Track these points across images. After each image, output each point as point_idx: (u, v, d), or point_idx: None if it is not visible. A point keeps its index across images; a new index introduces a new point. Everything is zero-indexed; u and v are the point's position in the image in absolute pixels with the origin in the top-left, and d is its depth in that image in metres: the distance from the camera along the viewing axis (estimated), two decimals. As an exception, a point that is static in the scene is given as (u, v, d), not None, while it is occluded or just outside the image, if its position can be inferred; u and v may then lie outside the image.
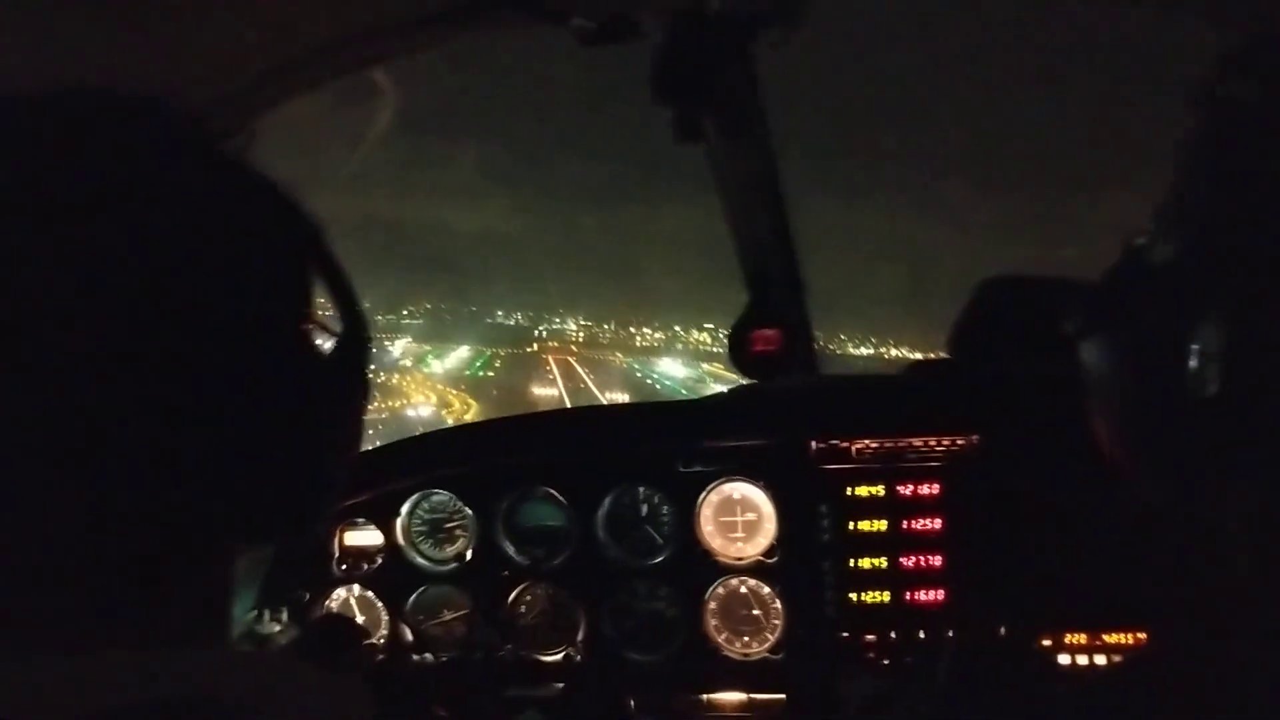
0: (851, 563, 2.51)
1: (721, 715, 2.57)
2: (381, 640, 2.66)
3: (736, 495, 2.57)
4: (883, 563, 2.50)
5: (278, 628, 2.38)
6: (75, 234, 0.77)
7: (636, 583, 2.62)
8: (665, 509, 2.60)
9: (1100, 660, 2.38)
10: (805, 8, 1.45)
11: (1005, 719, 1.89)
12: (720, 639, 2.59)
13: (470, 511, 2.62)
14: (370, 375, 1.06)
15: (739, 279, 2.72)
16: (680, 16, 1.53)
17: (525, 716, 2.46)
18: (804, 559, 2.52)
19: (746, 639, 2.58)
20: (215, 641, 0.88)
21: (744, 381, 2.72)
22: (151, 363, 0.78)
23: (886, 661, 2.50)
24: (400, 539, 2.65)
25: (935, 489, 2.47)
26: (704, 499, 2.57)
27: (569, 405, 37.39)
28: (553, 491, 2.59)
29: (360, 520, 2.65)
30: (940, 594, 2.49)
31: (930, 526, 2.48)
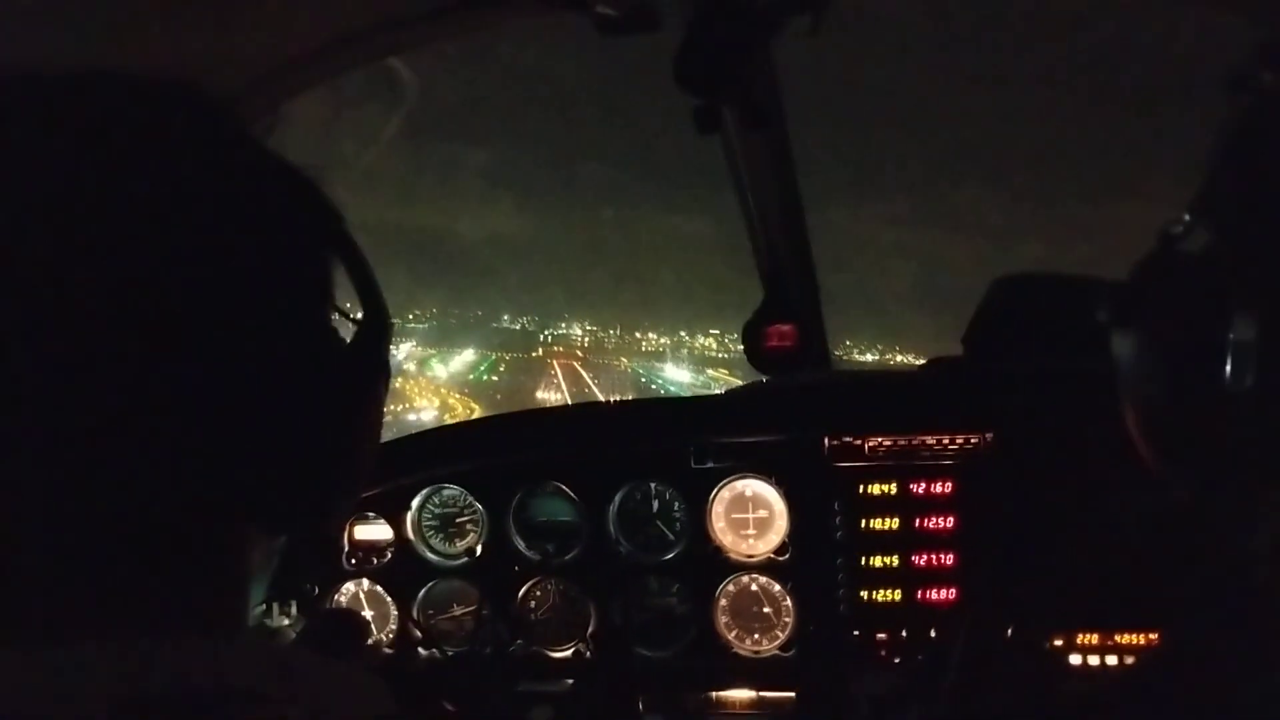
0: (863, 561, 2.50)
1: (732, 712, 2.56)
2: (391, 634, 2.65)
3: (748, 492, 2.56)
4: (895, 561, 2.49)
5: (287, 621, 2.38)
6: (98, 217, 0.77)
7: (647, 579, 2.61)
8: (677, 505, 2.60)
9: (1112, 661, 2.36)
10: (832, 2, 1.44)
11: (1016, 718, 1.89)
12: (731, 636, 2.58)
13: (481, 506, 2.61)
14: (389, 365, 1.06)
15: (744, 285, 2.72)
16: (704, 4, 1.52)
17: (535, 712, 2.45)
18: (816, 556, 2.52)
19: (757, 636, 2.58)
20: (235, 631, 0.87)
21: (756, 378, 2.71)
22: (173, 347, 0.78)
23: (898, 660, 2.50)
24: (410, 533, 2.64)
25: (948, 487, 2.46)
26: (716, 495, 2.56)
27: (573, 409, 37.45)
28: (564, 487, 2.59)
29: (370, 514, 2.64)
30: (952, 593, 2.48)
31: (943, 525, 2.47)
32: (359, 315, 1.00)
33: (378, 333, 1.00)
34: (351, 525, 2.65)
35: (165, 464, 0.78)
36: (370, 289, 1.00)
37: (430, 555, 2.65)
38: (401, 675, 2.61)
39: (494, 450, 2.67)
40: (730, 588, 2.58)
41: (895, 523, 2.49)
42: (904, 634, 2.49)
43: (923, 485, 2.47)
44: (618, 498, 2.59)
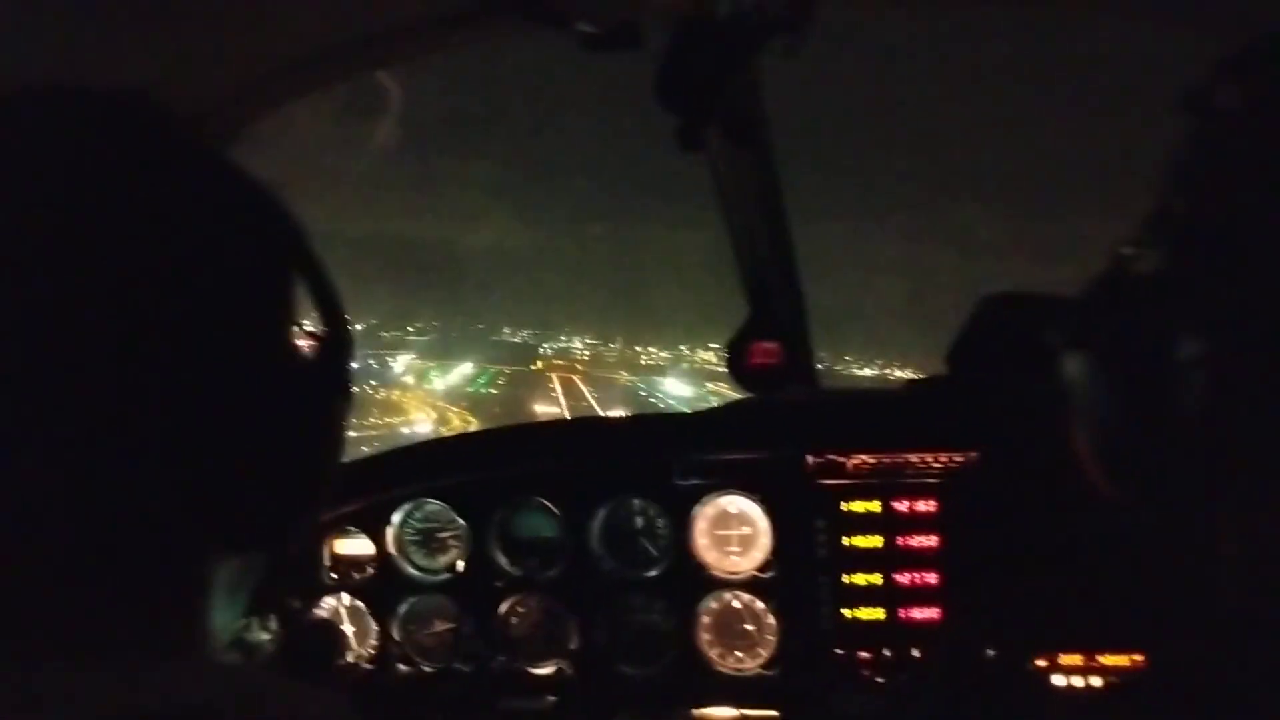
0: (846, 579, 2.49)
1: (713, 731, 2.54)
2: (371, 650, 2.63)
3: (732, 509, 2.55)
4: (878, 579, 2.48)
5: (267, 636, 2.37)
6: (47, 233, 0.76)
7: (630, 595, 2.60)
8: (660, 521, 2.59)
9: (1095, 682, 2.35)
10: (811, 20, 1.45)
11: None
12: (713, 654, 2.56)
13: (463, 521, 2.60)
14: (352, 381, 1.05)
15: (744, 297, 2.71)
16: (685, 23, 1.52)
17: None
18: (799, 574, 2.50)
19: (740, 654, 2.56)
20: (195, 653, 0.86)
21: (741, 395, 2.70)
22: (128, 365, 0.77)
23: (880, 679, 2.48)
24: (392, 548, 2.63)
25: (932, 505, 2.45)
26: (699, 512, 2.55)
27: (570, 422, 37.36)
28: (546, 502, 2.57)
29: (351, 529, 2.63)
30: (935, 612, 2.46)
31: (926, 543, 2.46)
32: (321, 332, 0.99)
33: (339, 350, 0.99)
34: (332, 540, 2.64)
35: (120, 483, 0.77)
36: (331, 305, 0.99)
37: (412, 570, 2.64)
38: (381, 692, 2.60)
39: (477, 465, 2.66)
40: (713, 605, 2.56)
41: (878, 541, 2.47)
42: (887, 653, 2.48)
43: (906, 503, 2.46)
44: (601, 514, 2.58)
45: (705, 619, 2.57)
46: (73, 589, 0.77)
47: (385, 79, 2.04)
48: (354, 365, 1.06)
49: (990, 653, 2.40)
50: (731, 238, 2.42)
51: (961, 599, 2.45)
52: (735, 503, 2.55)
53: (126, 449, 0.77)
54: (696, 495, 2.54)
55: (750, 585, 2.54)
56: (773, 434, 2.56)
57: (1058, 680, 2.37)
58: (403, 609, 2.64)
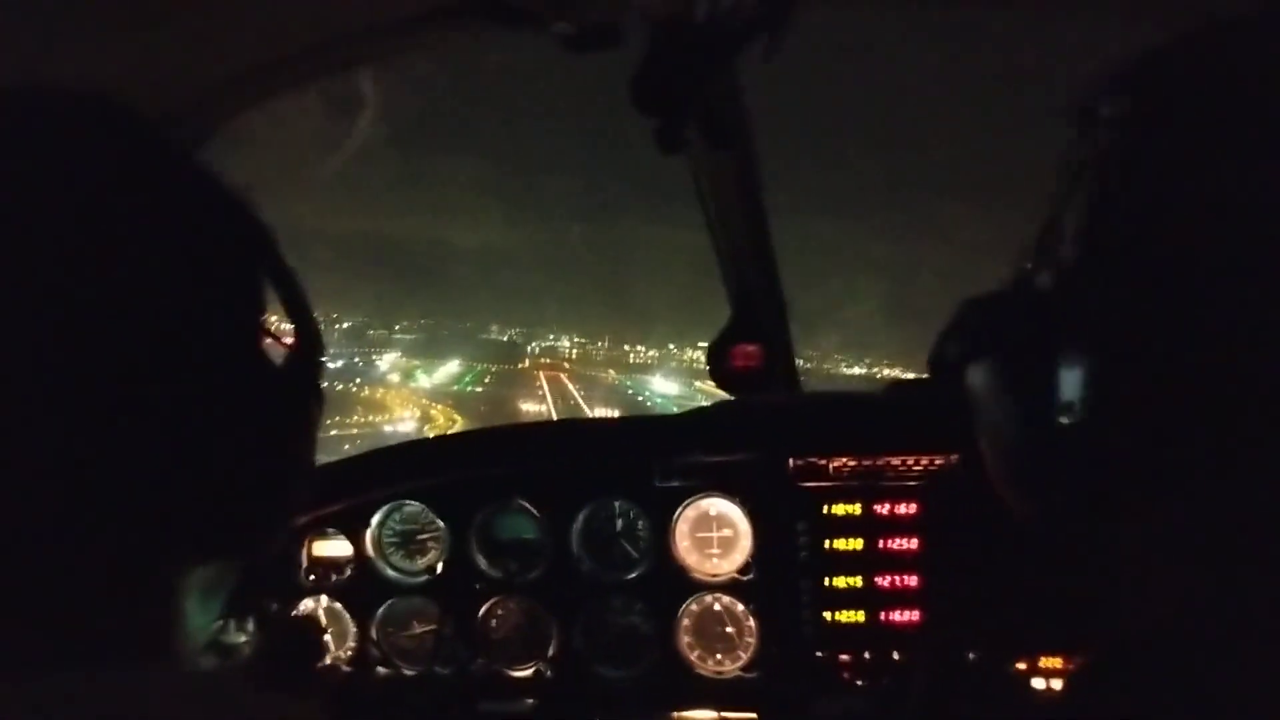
0: (827, 581, 2.48)
1: (693, 733, 2.54)
2: (349, 652, 2.62)
3: (713, 511, 2.55)
4: (859, 582, 2.47)
5: (244, 638, 2.35)
6: (9, 236, 0.75)
7: (610, 598, 2.59)
8: (641, 523, 2.58)
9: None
10: (789, 23, 1.44)
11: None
12: (693, 656, 2.56)
13: (442, 523, 2.58)
14: (323, 386, 1.04)
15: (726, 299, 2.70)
16: (663, 25, 1.51)
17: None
18: (779, 577, 2.50)
19: (720, 657, 2.55)
20: (166, 661, 0.85)
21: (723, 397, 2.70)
22: (93, 371, 0.76)
23: (861, 682, 2.48)
24: (370, 550, 2.61)
25: (913, 508, 2.45)
26: (680, 514, 2.54)
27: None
28: (526, 504, 2.56)
29: (330, 530, 2.61)
30: (916, 615, 2.46)
31: (907, 546, 2.45)
32: (291, 336, 0.98)
33: (309, 355, 0.99)
34: (311, 541, 2.62)
35: (90, 490, 0.76)
36: (301, 310, 0.98)
37: (390, 572, 2.62)
38: (360, 694, 2.58)
39: (456, 466, 2.64)
40: (693, 607, 2.56)
41: (859, 544, 2.47)
42: (867, 655, 2.47)
43: (887, 506, 2.46)
44: (581, 515, 2.57)
45: (686, 621, 2.56)
46: (43, 596, 0.76)
47: (364, 79, 2.02)
48: (325, 369, 1.05)
49: (971, 656, 2.40)
50: (713, 240, 2.41)
51: (942, 602, 2.45)
52: (716, 505, 2.54)
53: (95, 455, 0.76)
54: (678, 497, 2.54)
55: (731, 588, 2.53)
56: (754, 436, 2.55)
57: (1038, 683, 2.37)
58: (381, 611, 2.62)
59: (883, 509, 2.46)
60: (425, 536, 2.63)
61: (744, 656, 2.53)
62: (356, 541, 2.61)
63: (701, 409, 2.78)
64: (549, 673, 2.58)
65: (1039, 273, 0.89)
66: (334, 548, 2.62)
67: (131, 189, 0.82)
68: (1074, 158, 0.87)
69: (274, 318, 0.96)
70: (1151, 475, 0.81)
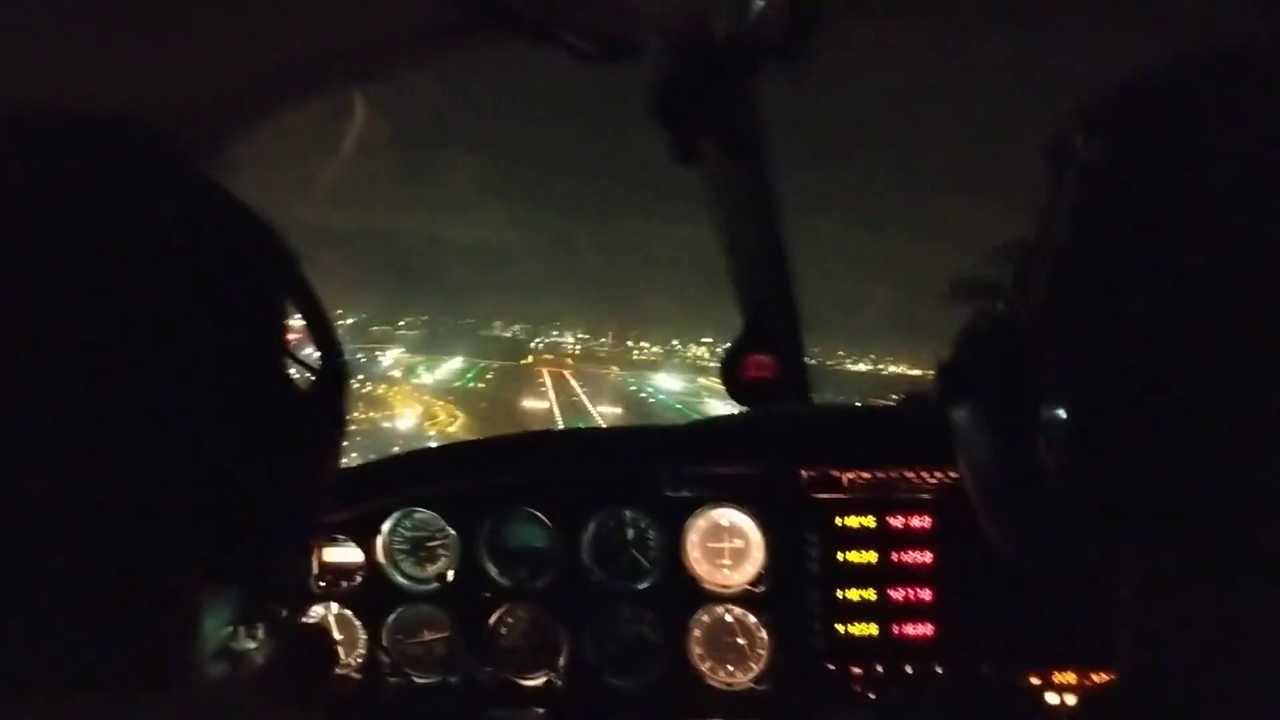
0: (839, 594, 2.47)
1: (704, 745, 2.53)
2: (359, 659, 2.61)
3: (725, 521, 2.54)
4: (871, 595, 2.46)
5: (254, 644, 2.34)
6: (38, 262, 0.74)
7: (620, 607, 2.58)
8: (652, 533, 2.57)
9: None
10: (810, 49, 1.42)
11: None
12: (704, 667, 2.55)
13: (453, 531, 2.57)
14: (348, 412, 1.03)
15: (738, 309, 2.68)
16: (682, 41, 1.50)
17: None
18: (791, 588, 2.49)
19: (730, 668, 2.54)
20: (179, 685, 0.84)
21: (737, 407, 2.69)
22: (114, 394, 0.75)
23: (873, 695, 2.46)
24: (381, 557, 2.60)
25: (926, 522, 2.44)
26: (691, 524, 2.53)
27: (560, 418, 37.20)
28: (537, 512, 2.55)
29: (340, 537, 2.60)
30: (929, 628, 2.45)
31: (920, 559, 2.44)
32: (316, 362, 0.98)
33: (334, 381, 0.98)
34: (321, 548, 2.61)
35: (108, 516, 0.76)
36: (326, 335, 0.98)
37: (400, 579, 2.61)
38: (369, 702, 2.58)
39: (467, 474, 2.64)
40: (704, 618, 2.54)
41: (872, 556, 2.46)
42: (879, 669, 2.46)
43: (901, 519, 2.45)
44: (592, 524, 2.56)
45: (696, 632, 2.55)
46: (57, 619, 0.75)
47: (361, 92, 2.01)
48: (349, 395, 1.04)
49: (984, 669, 2.40)
50: (725, 248, 2.41)
51: (955, 615, 2.44)
52: (728, 515, 2.53)
53: (115, 481, 0.75)
54: (689, 507, 2.53)
55: (742, 599, 2.52)
56: (767, 448, 2.54)
57: (1051, 698, 2.36)
58: (391, 618, 2.61)
59: (896, 521, 2.45)
60: (435, 544, 2.61)
61: (755, 668, 2.52)
62: (367, 548, 2.60)
63: (713, 419, 2.77)
64: (559, 681, 2.57)
65: (1014, 313, 0.89)
66: (344, 554, 2.61)
67: (156, 214, 0.82)
68: (1048, 199, 0.86)
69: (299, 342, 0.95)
70: (1127, 517, 0.81)
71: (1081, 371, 0.79)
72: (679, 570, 2.53)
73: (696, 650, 2.55)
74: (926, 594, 2.44)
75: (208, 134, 1.67)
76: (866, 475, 2.45)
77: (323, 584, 2.60)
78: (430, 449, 2.92)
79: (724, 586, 2.53)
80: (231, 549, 0.86)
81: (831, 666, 2.48)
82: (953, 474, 2.39)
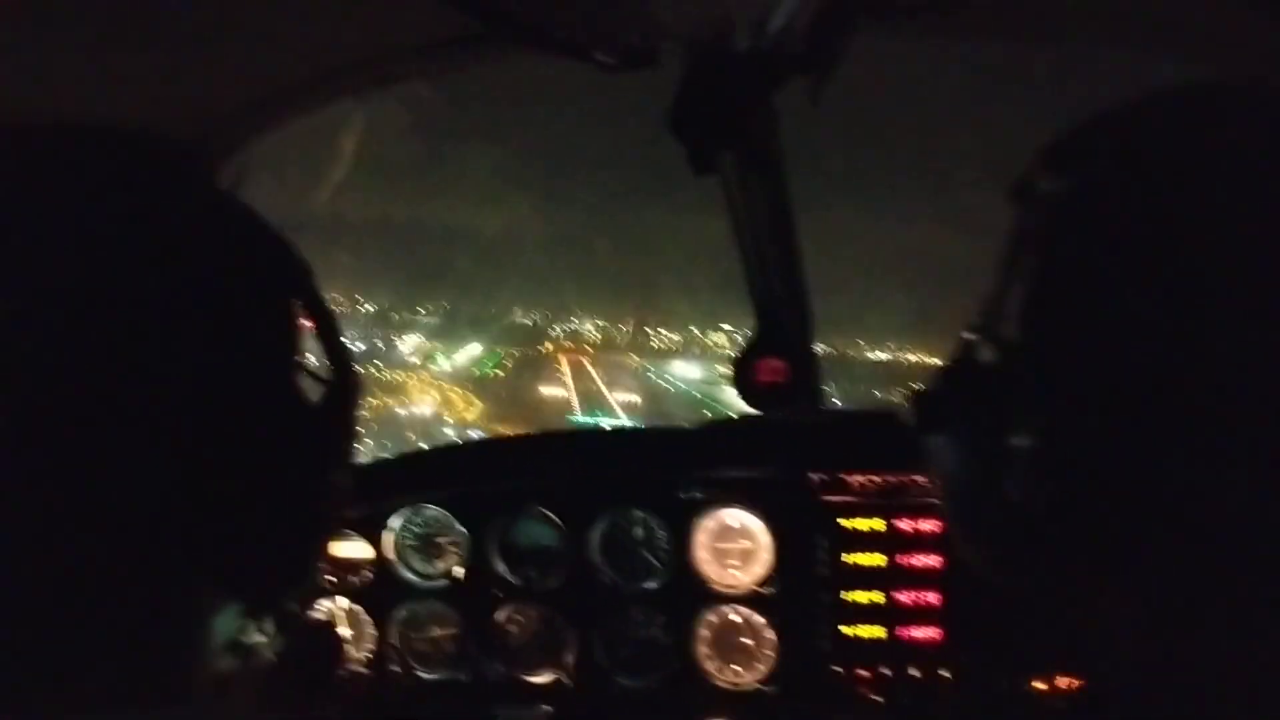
0: (846, 596, 2.47)
1: (710, 745, 2.53)
2: (368, 655, 2.63)
3: (733, 522, 2.54)
4: (879, 598, 2.46)
5: (263, 639, 2.36)
6: (54, 273, 0.75)
7: (629, 607, 2.58)
8: (661, 533, 2.57)
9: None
10: (834, 64, 1.41)
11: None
12: (711, 667, 2.55)
13: (463, 528, 2.59)
14: (359, 426, 1.03)
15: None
16: (702, 53, 1.49)
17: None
18: (799, 590, 2.49)
19: (737, 668, 2.55)
20: (181, 697, 0.85)
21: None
22: (125, 407, 0.76)
23: (878, 698, 2.46)
24: (390, 553, 2.62)
25: (935, 526, 2.43)
26: (700, 525, 2.53)
27: (578, 406, 37.19)
28: (547, 512, 2.56)
29: (349, 532, 2.62)
30: (936, 632, 2.45)
31: (928, 563, 2.44)
32: (328, 375, 0.98)
33: (346, 394, 0.98)
34: (330, 542, 2.63)
35: (117, 535, 0.76)
36: (338, 347, 0.98)
37: (409, 576, 2.63)
38: (377, 698, 2.60)
39: (478, 473, 2.65)
40: (712, 619, 2.55)
41: (881, 559, 2.46)
42: (885, 672, 2.46)
43: (909, 523, 2.44)
44: (601, 524, 2.57)
45: (704, 632, 2.55)
46: (64, 634, 0.76)
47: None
48: (361, 412, 1.04)
49: (990, 675, 2.39)
50: (742, 256, 2.40)
51: (962, 620, 2.44)
52: (736, 516, 2.53)
53: (119, 494, 0.76)
54: (698, 508, 2.53)
55: (750, 600, 2.52)
56: (777, 451, 2.55)
57: (1056, 704, 2.35)
58: (400, 614, 2.63)
59: (905, 525, 2.45)
60: (445, 540, 2.63)
61: (762, 669, 2.52)
62: (376, 544, 2.61)
63: (724, 421, 2.77)
64: (566, 680, 2.58)
65: (983, 347, 0.90)
66: (353, 549, 2.62)
67: (168, 225, 0.82)
68: (1014, 232, 0.88)
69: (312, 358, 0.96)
70: (1096, 549, 0.82)
71: (1047, 403, 0.80)
72: (687, 571, 2.54)
73: (703, 650, 2.55)
74: (934, 598, 2.44)
75: (225, 139, 1.67)
76: (876, 479, 2.45)
77: (332, 579, 2.62)
78: (441, 447, 2.94)
79: (732, 587, 2.53)
80: (239, 558, 0.87)
81: (838, 669, 2.48)
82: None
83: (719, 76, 1.44)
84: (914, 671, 2.45)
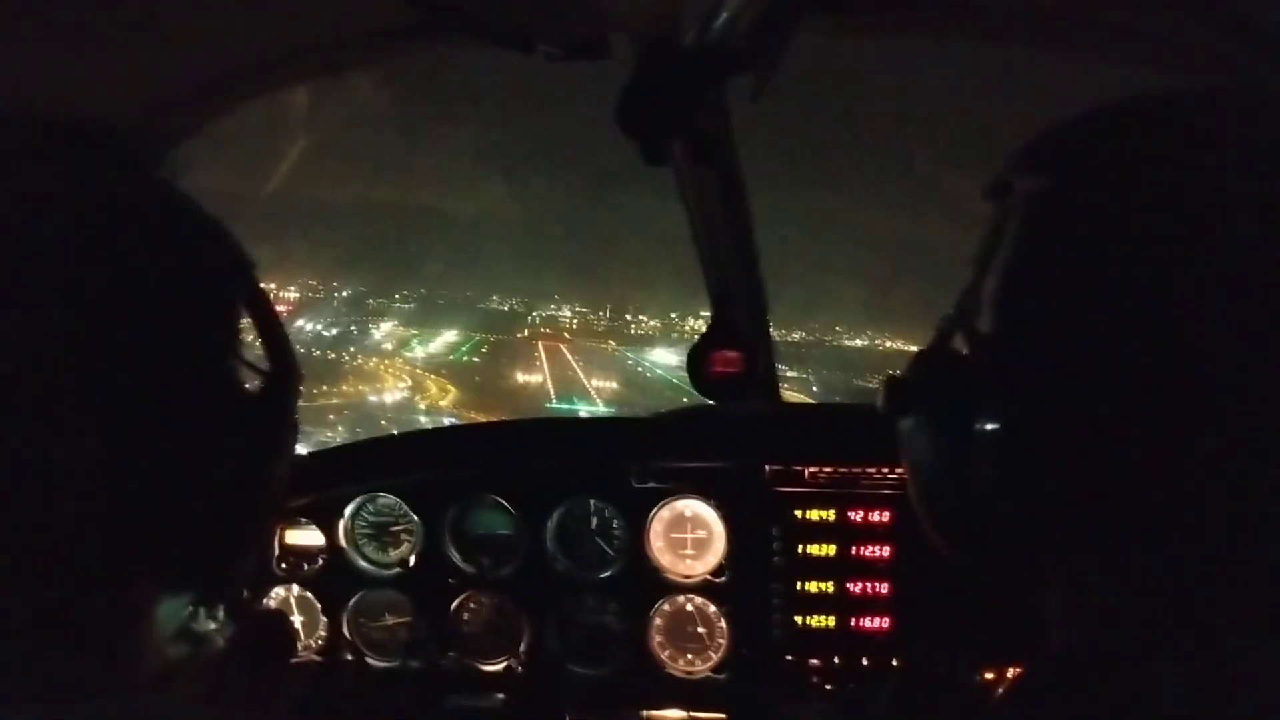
0: (799, 586, 2.49)
1: (662, 733, 2.55)
2: (319, 642, 2.62)
3: (688, 513, 2.55)
4: (830, 587, 2.48)
5: (214, 625, 2.35)
6: None
7: (583, 596, 2.59)
8: (616, 523, 2.58)
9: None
10: (777, 63, 1.41)
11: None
12: (664, 656, 2.57)
13: (416, 516, 2.58)
14: (297, 416, 1.04)
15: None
16: (651, 46, 1.48)
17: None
18: (752, 579, 2.51)
19: (690, 657, 2.56)
20: (127, 689, 0.85)
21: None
22: (62, 397, 0.75)
23: (829, 686, 2.49)
24: (343, 541, 2.61)
25: (886, 516, 2.46)
26: (655, 515, 2.54)
27: (553, 392, 37.15)
28: (502, 500, 2.56)
29: (302, 520, 2.60)
30: (886, 621, 2.48)
31: (879, 554, 2.46)
32: (266, 366, 0.98)
33: (285, 386, 0.99)
34: (282, 530, 2.61)
35: (56, 525, 0.76)
36: (277, 340, 0.98)
37: (362, 564, 2.62)
38: (328, 686, 2.59)
39: (433, 463, 2.64)
40: (666, 607, 2.56)
41: (832, 550, 2.48)
42: (836, 660, 2.49)
43: (861, 513, 2.47)
44: (556, 513, 2.57)
45: (657, 621, 2.57)
46: (3, 628, 0.76)
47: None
48: (299, 398, 1.05)
49: (938, 663, 2.42)
50: (696, 246, 2.40)
51: (912, 609, 2.46)
52: (691, 507, 2.54)
53: (60, 491, 0.76)
54: (654, 498, 2.54)
55: (703, 589, 2.54)
56: (731, 442, 2.56)
57: (1003, 692, 2.37)
58: (352, 602, 2.62)
59: (856, 516, 2.47)
60: (399, 529, 2.62)
61: (714, 657, 2.54)
62: (329, 531, 2.60)
63: (680, 412, 2.78)
64: (520, 669, 2.59)
65: (957, 336, 0.93)
66: (305, 537, 2.61)
67: (112, 220, 0.82)
68: (990, 227, 0.90)
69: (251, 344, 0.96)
70: (1057, 535, 0.84)
71: (1013, 392, 0.83)
72: (642, 560, 2.55)
73: (657, 639, 2.57)
74: (884, 587, 2.47)
75: (166, 127, 1.65)
76: (828, 470, 2.46)
77: (284, 566, 2.61)
78: (397, 436, 2.93)
79: (686, 576, 2.55)
80: (177, 547, 0.87)
81: (789, 657, 2.50)
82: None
83: (663, 69, 1.43)
84: (864, 660, 2.48)
